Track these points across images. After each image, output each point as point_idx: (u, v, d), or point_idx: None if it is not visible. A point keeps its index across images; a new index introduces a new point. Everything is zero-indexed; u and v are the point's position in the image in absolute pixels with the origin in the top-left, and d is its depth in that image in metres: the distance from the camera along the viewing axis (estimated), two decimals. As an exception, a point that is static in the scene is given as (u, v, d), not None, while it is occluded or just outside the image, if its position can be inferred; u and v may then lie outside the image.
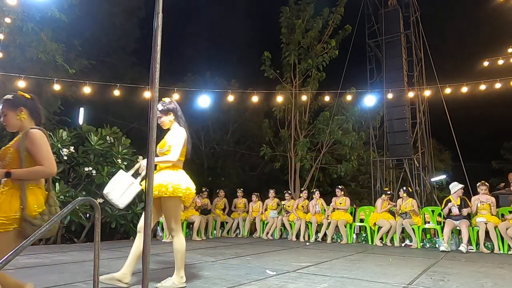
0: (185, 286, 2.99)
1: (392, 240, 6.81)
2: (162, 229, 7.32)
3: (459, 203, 6.18)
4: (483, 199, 6.14)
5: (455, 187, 6.39)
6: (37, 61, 7.43)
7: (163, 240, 7.01)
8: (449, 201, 6.31)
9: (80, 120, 10.27)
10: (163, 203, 2.97)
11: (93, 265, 2.22)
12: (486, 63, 10.05)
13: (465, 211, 6.03)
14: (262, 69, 11.64)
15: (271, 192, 8.37)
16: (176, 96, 8.70)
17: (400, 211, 6.80)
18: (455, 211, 6.10)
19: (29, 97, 2.28)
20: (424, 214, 6.84)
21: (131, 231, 7.54)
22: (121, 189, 2.86)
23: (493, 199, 6.21)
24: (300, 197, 8.10)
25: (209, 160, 15.31)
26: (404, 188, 7.05)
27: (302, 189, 8.99)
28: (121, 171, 3.01)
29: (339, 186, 7.79)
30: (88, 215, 7.00)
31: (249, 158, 15.90)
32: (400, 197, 6.99)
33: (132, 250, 2.99)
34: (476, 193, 6.38)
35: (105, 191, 2.88)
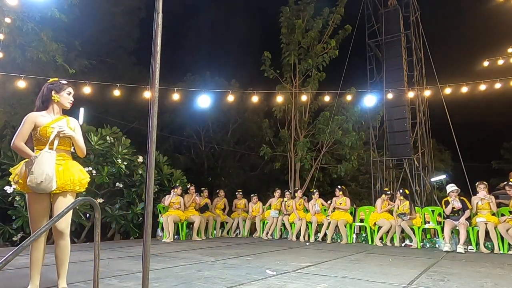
0: None
1: (392, 240, 6.81)
2: (162, 229, 7.32)
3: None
4: (481, 196, 6.16)
5: (449, 189, 6.40)
6: (37, 61, 7.43)
7: (163, 240, 7.01)
8: (447, 202, 6.32)
9: (80, 120, 10.25)
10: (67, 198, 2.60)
11: (93, 265, 2.22)
12: (486, 63, 10.05)
13: (464, 217, 6.02)
14: (262, 69, 11.65)
15: (277, 192, 8.31)
16: (176, 96, 8.69)
17: (397, 211, 6.80)
18: (458, 205, 6.09)
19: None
20: (424, 214, 6.84)
21: (131, 231, 7.54)
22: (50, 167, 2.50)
23: (492, 197, 6.22)
24: (295, 196, 8.08)
25: (209, 160, 15.32)
26: (401, 191, 7.04)
27: (296, 188, 8.98)
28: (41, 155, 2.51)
29: (339, 186, 7.79)
30: (88, 215, 7.00)
31: (249, 158, 15.91)
32: (397, 199, 6.98)
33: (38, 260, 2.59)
34: (476, 193, 6.39)
35: (40, 180, 2.44)
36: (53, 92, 2.73)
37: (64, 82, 2.82)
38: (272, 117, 12.44)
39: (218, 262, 4.39)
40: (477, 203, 6.18)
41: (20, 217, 6.28)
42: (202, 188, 8.44)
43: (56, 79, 2.83)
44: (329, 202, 7.81)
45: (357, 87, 10.74)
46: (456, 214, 6.16)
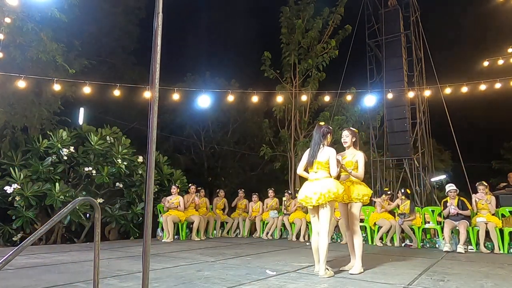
0: (332, 276, 3.50)
1: (392, 240, 6.81)
2: (162, 229, 7.32)
3: (456, 204, 6.19)
4: (479, 197, 6.19)
5: (447, 188, 6.41)
6: (37, 61, 7.42)
7: (163, 240, 7.01)
8: (447, 202, 6.32)
9: (80, 120, 10.28)
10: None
11: (93, 265, 2.22)
12: (486, 63, 10.04)
13: (465, 214, 6.05)
14: (262, 69, 11.63)
15: (270, 192, 8.36)
16: (176, 96, 8.69)
17: (398, 211, 6.80)
18: (452, 211, 6.12)
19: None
20: (424, 214, 6.84)
21: (131, 231, 7.54)
22: None
23: (493, 198, 6.22)
24: (296, 197, 8.07)
25: (209, 160, 15.31)
26: (403, 190, 7.04)
27: (297, 189, 8.97)
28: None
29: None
30: (88, 215, 7.00)
31: (249, 158, 15.90)
32: (398, 198, 6.97)
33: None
34: (476, 192, 6.40)
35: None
36: (329, 134, 3.86)
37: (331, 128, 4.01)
38: (272, 117, 12.42)
39: (218, 262, 4.39)
40: (475, 200, 6.21)
41: (20, 217, 6.28)
42: (199, 188, 8.41)
43: (323, 123, 3.94)
44: None
45: (357, 87, 10.73)
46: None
